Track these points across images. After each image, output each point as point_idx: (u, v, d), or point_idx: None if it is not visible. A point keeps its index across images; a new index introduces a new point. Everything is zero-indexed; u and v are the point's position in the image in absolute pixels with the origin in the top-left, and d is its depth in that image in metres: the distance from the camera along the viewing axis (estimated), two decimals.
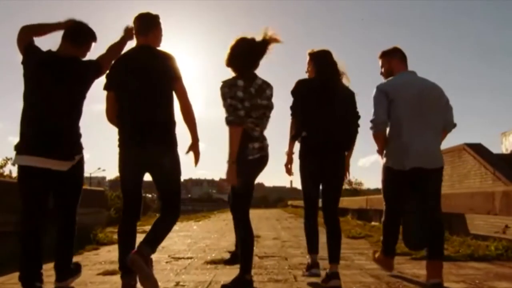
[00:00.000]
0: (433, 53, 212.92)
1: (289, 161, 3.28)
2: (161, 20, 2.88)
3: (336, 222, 3.07)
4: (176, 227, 9.39)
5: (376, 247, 4.77)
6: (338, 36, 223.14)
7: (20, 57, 2.77)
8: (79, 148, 2.80)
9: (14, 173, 11.02)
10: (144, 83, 2.66)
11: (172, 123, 2.73)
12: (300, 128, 3.12)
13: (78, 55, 2.84)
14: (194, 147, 2.77)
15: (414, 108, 3.04)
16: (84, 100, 2.86)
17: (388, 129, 3.15)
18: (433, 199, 3.10)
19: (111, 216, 12.61)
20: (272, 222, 12.25)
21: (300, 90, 3.16)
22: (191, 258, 4.50)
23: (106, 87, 2.77)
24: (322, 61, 3.18)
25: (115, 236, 6.67)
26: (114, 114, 2.75)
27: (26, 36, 2.78)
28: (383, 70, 3.35)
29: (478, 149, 15.61)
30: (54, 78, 2.69)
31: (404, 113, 3.04)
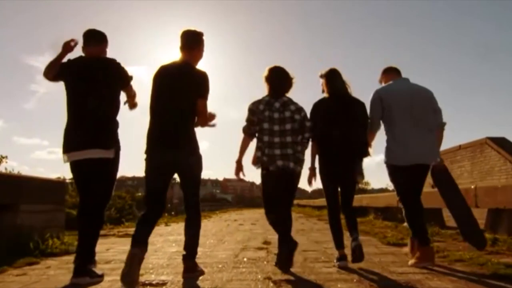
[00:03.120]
0: (434, 52, 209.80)
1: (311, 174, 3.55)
2: (204, 37, 3.12)
3: (353, 213, 3.48)
4: (168, 229, 7.41)
5: (446, 260, 3.50)
6: (338, 36, 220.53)
7: None
8: (100, 142, 2.89)
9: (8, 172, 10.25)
10: (177, 97, 2.93)
11: (194, 132, 3.01)
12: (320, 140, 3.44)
13: (99, 53, 3.07)
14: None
15: (406, 111, 3.38)
16: (115, 92, 3.06)
17: (385, 130, 3.53)
18: (419, 192, 3.46)
19: (111, 216, 11.40)
20: None
21: (317, 111, 3.48)
22: (163, 284, 2.84)
23: (151, 97, 3.03)
24: (333, 80, 3.52)
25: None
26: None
27: (48, 75, 2.97)
28: (383, 83, 3.72)
29: (503, 143, 14.42)
30: (78, 77, 2.97)
31: (397, 115, 3.40)
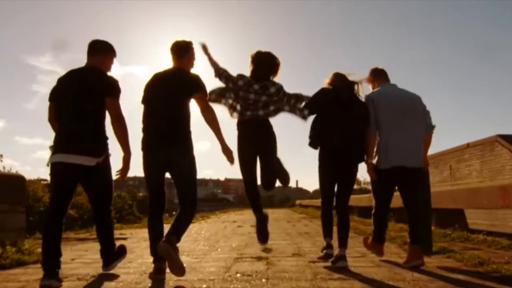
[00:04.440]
0: (434, 52, 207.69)
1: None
2: (193, 46, 3.24)
3: (346, 212, 3.51)
4: None
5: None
6: (338, 36, 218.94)
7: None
8: (92, 149, 2.91)
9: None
10: (171, 97, 2.98)
11: (189, 132, 3.04)
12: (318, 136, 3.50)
13: (97, 65, 3.09)
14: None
15: (395, 114, 3.46)
16: (99, 103, 2.99)
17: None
18: (414, 195, 3.55)
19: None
20: (283, 224, 9.67)
21: (321, 100, 3.52)
22: None
23: (143, 101, 3.12)
24: (340, 80, 3.59)
25: (40, 250, 4.02)
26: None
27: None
28: (371, 86, 3.78)
29: None
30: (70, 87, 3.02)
31: (387, 118, 3.46)
